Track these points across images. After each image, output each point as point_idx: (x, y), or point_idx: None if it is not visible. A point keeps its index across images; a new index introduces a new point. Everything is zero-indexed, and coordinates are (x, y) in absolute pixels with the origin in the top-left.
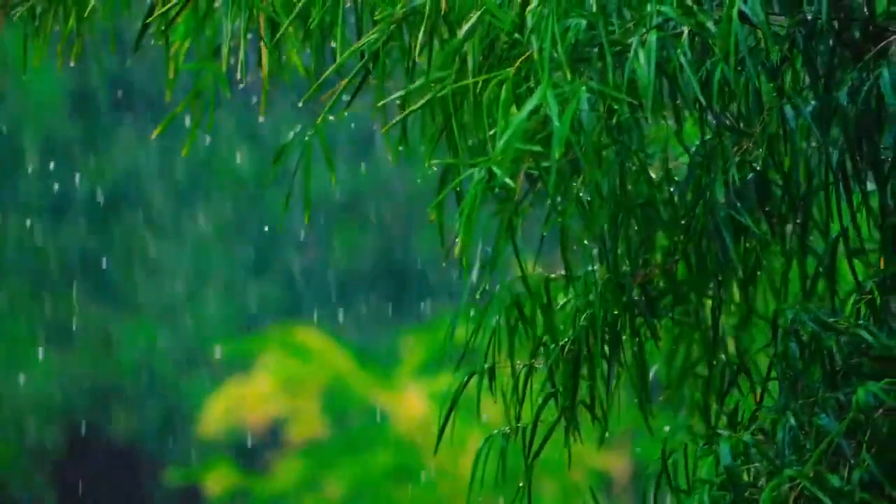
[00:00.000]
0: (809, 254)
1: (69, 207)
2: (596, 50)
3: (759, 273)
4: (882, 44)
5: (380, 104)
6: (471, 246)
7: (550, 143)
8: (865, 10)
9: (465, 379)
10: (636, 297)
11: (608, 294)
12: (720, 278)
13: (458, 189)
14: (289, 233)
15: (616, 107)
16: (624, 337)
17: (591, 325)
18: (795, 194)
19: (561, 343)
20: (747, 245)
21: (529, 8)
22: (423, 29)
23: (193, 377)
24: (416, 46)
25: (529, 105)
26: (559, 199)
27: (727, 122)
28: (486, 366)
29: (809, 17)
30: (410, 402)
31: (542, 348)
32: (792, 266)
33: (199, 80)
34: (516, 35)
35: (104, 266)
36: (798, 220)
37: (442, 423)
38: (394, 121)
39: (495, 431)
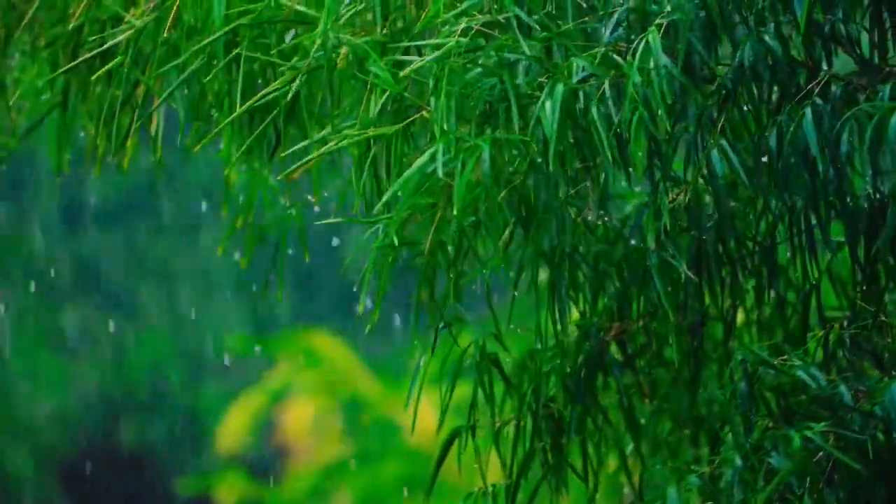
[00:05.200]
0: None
1: (81, 217)
2: (505, 105)
3: (735, 323)
4: (811, 85)
5: (284, 153)
6: (381, 304)
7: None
8: (787, 52)
9: (448, 438)
10: (611, 353)
11: (577, 349)
12: (698, 328)
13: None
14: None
15: (535, 159)
16: (601, 390)
17: (567, 382)
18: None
19: (542, 401)
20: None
21: (418, 64)
22: (324, 83)
23: (205, 386)
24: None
25: (420, 161)
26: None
27: (662, 170)
28: (469, 424)
29: (741, 64)
30: (423, 413)
31: (524, 407)
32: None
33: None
34: (406, 95)
35: (116, 275)
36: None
37: (432, 480)
38: (299, 164)
39: (477, 489)
